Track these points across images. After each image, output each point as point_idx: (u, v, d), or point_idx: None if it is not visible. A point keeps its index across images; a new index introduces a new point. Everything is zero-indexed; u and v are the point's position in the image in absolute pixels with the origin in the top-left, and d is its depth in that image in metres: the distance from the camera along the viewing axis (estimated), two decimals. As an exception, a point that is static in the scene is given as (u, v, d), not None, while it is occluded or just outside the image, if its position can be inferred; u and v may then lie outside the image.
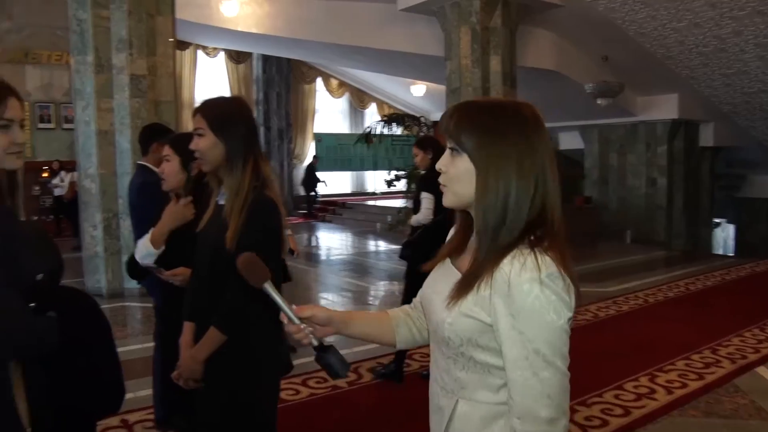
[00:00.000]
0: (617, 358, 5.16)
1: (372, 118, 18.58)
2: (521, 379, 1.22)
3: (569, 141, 15.58)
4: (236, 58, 16.34)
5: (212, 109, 2.08)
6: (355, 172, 20.05)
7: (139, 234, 3.73)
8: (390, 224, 14.02)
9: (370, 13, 11.20)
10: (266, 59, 16.77)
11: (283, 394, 4.11)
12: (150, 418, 3.74)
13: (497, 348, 1.25)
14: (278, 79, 17.33)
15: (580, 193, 14.69)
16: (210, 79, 16.07)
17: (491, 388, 1.29)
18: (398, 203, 14.60)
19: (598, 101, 11.58)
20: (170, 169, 2.61)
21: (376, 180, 19.75)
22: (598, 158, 14.78)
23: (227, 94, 15.11)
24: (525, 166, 1.25)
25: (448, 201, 1.34)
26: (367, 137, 14.37)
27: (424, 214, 4.52)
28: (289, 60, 16.78)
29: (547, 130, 1.31)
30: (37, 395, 1.62)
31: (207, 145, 2.04)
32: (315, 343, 1.44)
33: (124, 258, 7.27)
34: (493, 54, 9.80)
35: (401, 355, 4.65)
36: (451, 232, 1.47)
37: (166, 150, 2.63)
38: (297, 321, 1.44)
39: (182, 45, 14.40)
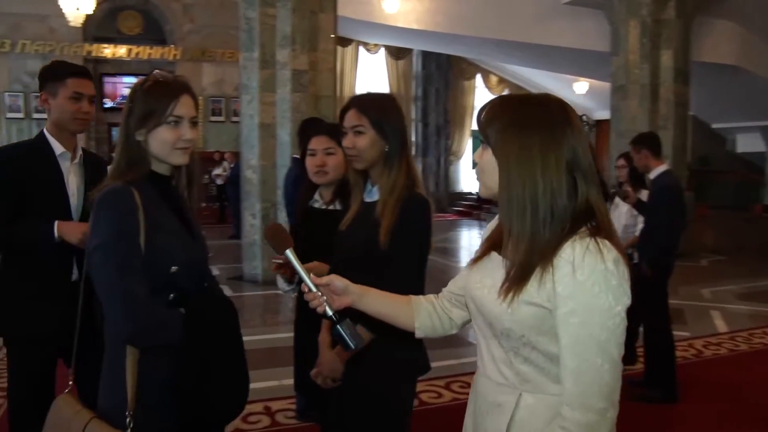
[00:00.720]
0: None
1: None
2: (573, 365, 1.22)
3: (748, 143, 14.23)
4: (396, 54, 16.54)
5: (373, 106, 2.02)
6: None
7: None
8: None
9: (531, 7, 10.86)
10: (426, 55, 16.83)
11: (425, 397, 4.04)
12: (292, 407, 3.80)
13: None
14: (437, 75, 17.35)
15: (760, 200, 13.36)
16: (370, 75, 16.38)
17: (556, 378, 1.28)
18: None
19: (787, 99, 10.43)
20: (336, 162, 2.52)
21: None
22: (783, 163, 13.37)
23: (386, 90, 15.41)
24: (550, 158, 1.25)
25: (481, 192, 1.39)
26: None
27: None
28: (448, 56, 16.72)
29: (579, 125, 1.31)
30: (151, 386, 1.64)
31: (367, 143, 1.98)
32: (329, 312, 1.49)
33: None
34: (665, 48, 9.13)
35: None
36: (492, 224, 1.47)
37: (327, 142, 2.54)
38: (314, 289, 1.49)
39: (344, 42, 14.81)
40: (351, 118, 2.01)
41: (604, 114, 15.12)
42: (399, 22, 11.36)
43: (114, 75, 13.46)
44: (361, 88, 15.81)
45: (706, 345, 5.49)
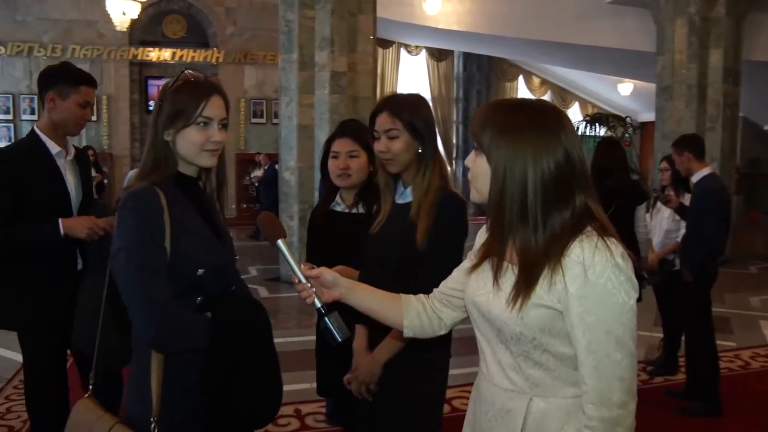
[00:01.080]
0: None
1: (574, 117, 17.80)
2: (594, 363, 1.23)
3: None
4: (437, 56, 16.48)
5: (405, 108, 1.99)
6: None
7: None
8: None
9: (574, 7, 10.67)
10: (467, 57, 16.73)
11: (457, 403, 3.96)
12: (322, 411, 3.78)
13: (568, 335, 1.27)
14: (479, 77, 17.22)
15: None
16: (412, 76, 16.33)
17: (568, 381, 1.29)
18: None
19: None
20: (359, 165, 2.44)
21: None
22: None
23: (427, 92, 15.34)
24: (542, 164, 1.24)
25: (473, 197, 1.39)
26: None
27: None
28: (490, 57, 16.58)
29: (573, 131, 1.32)
30: (177, 391, 1.60)
31: (401, 146, 1.95)
32: (318, 304, 1.50)
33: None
34: (714, 47, 8.85)
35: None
36: (483, 230, 1.47)
37: (351, 144, 2.45)
38: (304, 280, 1.51)
39: (385, 44, 14.80)
40: (383, 122, 1.97)
41: (648, 116, 14.79)
42: (440, 24, 11.30)
43: (158, 78, 13.68)
44: (402, 90, 15.67)
45: (754, 356, 5.28)
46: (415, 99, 2.06)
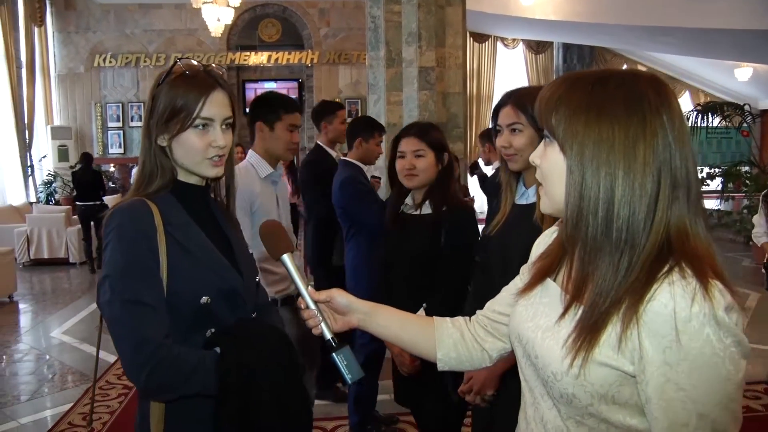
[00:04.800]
0: None
1: (685, 107, 16.73)
2: None
3: None
4: (536, 48, 15.92)
5: (531, 101, 1.89)
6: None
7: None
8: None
9: (684, -13, 9.92)
10: (567, 48, 16.05)
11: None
12: (345, 424, 3.59)
13: (640, 404, 0.92)
14: (579, 69, 16.46)
15: None
16: (509, 71, 15.87)
17: None
18: (712, 204, 12.82)
19: None
20: (425, 165, 2.43)
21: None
22: None
23: (525, 85, 14.85)
24: (637, 154, 0.91)
25: (543, 206, 1.05)
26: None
27: None
28: (591, 47, 15.85)
29: (680, 111, 0.95)
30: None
31: (525, 142, 1.85)
32: (327, 335, 1.26)
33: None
34: None
35: None
36: (544, 237, 1.19)
37: (417, 144, 2.43)
38: (312, 305, 1.27)
39: (481, 38, 14.48)
40: (507, 115, 1.88)
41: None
42: (536, 14, 10.86)
43: (255, 81, 13.98)
44: (499, 85, 15.36)
45: None
46: None
